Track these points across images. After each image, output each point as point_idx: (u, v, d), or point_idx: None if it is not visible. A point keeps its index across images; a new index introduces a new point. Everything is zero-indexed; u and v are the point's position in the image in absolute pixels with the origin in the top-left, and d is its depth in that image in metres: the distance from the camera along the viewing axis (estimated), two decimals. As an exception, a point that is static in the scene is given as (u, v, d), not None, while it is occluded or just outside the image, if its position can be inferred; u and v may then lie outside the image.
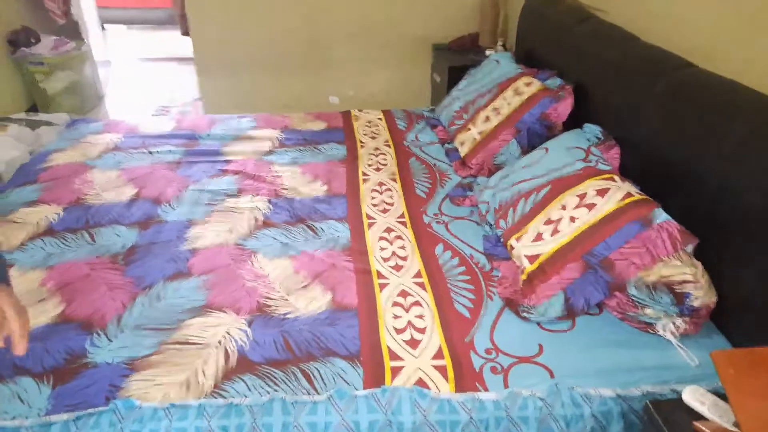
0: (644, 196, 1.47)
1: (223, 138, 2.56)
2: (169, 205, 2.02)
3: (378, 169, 2.29)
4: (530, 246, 1.57)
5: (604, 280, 1.44)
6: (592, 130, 1.88)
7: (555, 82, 2.23)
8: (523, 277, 1.54)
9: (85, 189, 2.11)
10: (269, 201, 2.04)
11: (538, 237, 1.56)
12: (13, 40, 3.76)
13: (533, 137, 2.18)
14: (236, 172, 2.25)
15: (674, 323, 1.39)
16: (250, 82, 3.76)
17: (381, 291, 1.58)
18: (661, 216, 1.40)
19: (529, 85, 2.23)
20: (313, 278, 1.64)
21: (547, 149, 1.85)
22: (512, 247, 1.64)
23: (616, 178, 1.59)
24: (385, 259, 1.73)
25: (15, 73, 3.80)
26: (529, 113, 2.16)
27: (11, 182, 2.21)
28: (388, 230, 1.87)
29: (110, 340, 1.40)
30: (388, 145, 2.51)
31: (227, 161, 2.35)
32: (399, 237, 1.84)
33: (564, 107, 2.11)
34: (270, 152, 2.44)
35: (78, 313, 1.50)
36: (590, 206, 1.51)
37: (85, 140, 2.53)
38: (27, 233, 1.83)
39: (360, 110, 2.92)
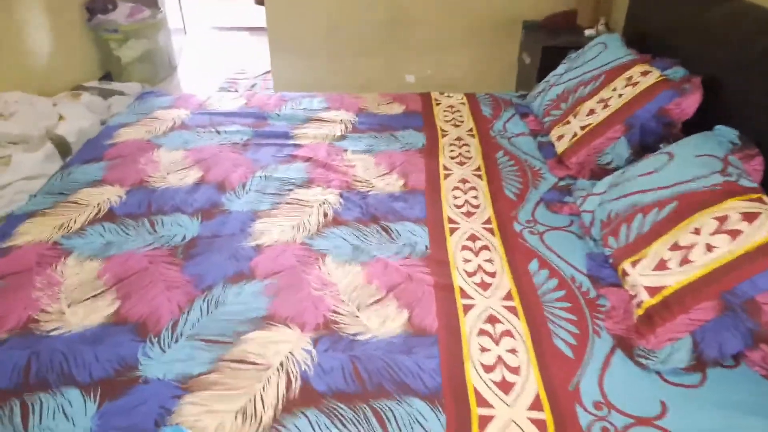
0: (809, 228, 1.17)
1: (293, 119, 2.39)
2: (234, 192, 1.87)
3: (461, 163, 2.05)
4: (651, 275, 1.30)
5: (746, 327, 1.17)
6: (726, 133, 1.56)
7: (677, 72, 1.90)
8: (639, 311, 1.28)
9: (149, 170, 1.99)
10: (340, 194, 1.85)
11: (662, 265, 1.29)
12: (91, 8, 3.72)
13: (647, 136, 1.87)
14: (306, 159, 2.07)
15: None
16: (323, 58, 3.57)
17: (465, 314, 1.37)
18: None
19: (645, 75, 1.91)
20: (387, 291, 1.44)
21: (671, 155, 1.55)
22: (625, 273, 1.37)
23: (766, 199, 1.29)
24: (470, 274, 1.50)
25: (90, 40, 3.77)
26: (645, 108, 1.85)
27: (78, 157, 2.12)
28: (473, 238, 1.64)
29: (163, 351, 1.26)
30: (472, 135, 2.26)
31: (297, 145, 2.18)
32: (486, 247, 1.60)
33: (689, 103, 1.78)
34: (343, 137, 2.24)
35: (133, 313, 1.37)
36: (734, 233, 1.22)
37: (153, 115, 2.42)
38: (87, 216, 1.73)
39: (441, 93, 2.67)
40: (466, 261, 1.55)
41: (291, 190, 1.88)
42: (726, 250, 1.21)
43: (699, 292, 1.20)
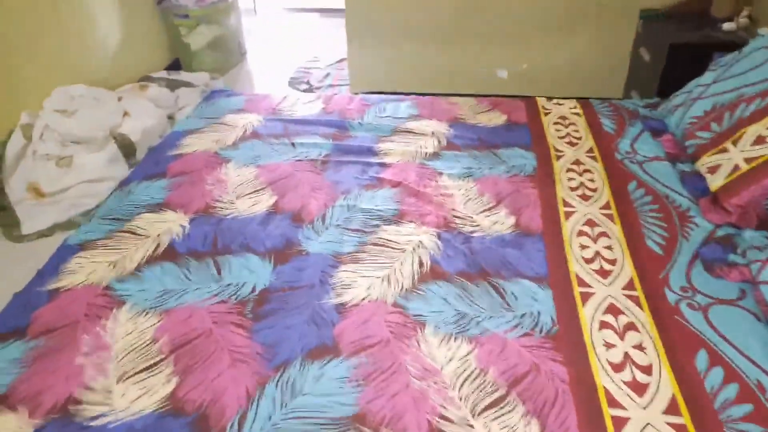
0: None
1: (379, 129, 2.07)
2: (312, 227, 1.58)
3: (585, 197, 1.68)
4: None
5: None
6: None
7: None
8: None
9: (216, 192, 1.73)
10: (438, 235, 1.53)
11: None
12: (160, -10, 3.51)
13: (844, 178, 1.44)
14: (395, 184, 1.75)
15: None
16: (403, 48, 3.22)
17: (619, 435, 1.02)
18: None
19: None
20: (509, 387, 1.12)
21: None
22: None
23: None
24: (616, 367, 1.15)
25: (159, 26, 3.57)
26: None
27: (139, 170, 1.89)
28: (614, 310, 1.28)
29: None
30: (594, 157, 1.87)
31: (383, 165, 1.86)
32: (632, 326, 1.24)
33: None
34: (435, 155, 1.91)
35: (191, 401, 1.11)
36: None
37: (222, 120, 2.16)
38: (145, 252, 1.49)
39: (549, 99, 2.27)
40: (609, 346, 1.20)
41: (378, 226, 1.58)
42: None
43: None
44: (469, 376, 1.14)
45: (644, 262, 1.42)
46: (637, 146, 1.92)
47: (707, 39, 2.44)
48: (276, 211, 1.65)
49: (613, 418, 1.05)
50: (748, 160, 1.55)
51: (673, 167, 1.79)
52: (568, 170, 1.80)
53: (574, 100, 2.25)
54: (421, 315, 1.29)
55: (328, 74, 3.80)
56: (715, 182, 1.61)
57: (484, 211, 1.63)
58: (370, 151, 1.93)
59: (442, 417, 1.06)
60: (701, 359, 1.16)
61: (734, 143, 1.62)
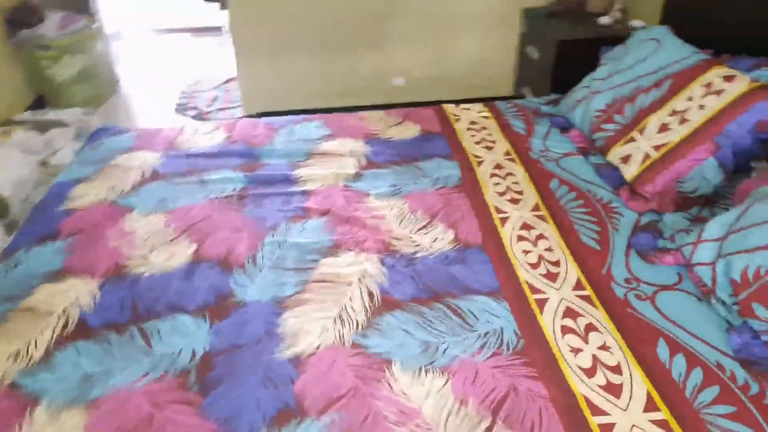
0: None
1: (292, 155, 1.95)
2: (244, 272, 1.44)
3: (514, 201, 1.69)
4: None
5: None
6: None
7: None
8: None
9: (124, 248, 1.52)
10: (381, 261, 1.46)
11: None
12: (12, 20, 3.11)
13: (740, 156, 1.57)
14: (323, 212, 1.65)
15: None
16: (298, 62, 3.11)
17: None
18: None
19: (730, 80, 1.59)
20: (494, 416, 1.07)
21: None
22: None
23: None
24: (588, 372, 1.15)
25: (16, 60, 3.17)
26: (737, 122, 1.53)
27: (25, 233, 1.62)
28: (572, 314, 1.29)
29: None
30: (512, 159, 1.90)
31: (305, 192, 1.75)
32: (593, 327, 1.25)
33: (797, 114, 1.48)
34: (358, 176, 1.83)
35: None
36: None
37: (113, 163, 1.93)
38: (52, 335, 1.27)
39: (457, 104, 2.28)
40: (576, 351, 1.20)
41: (316, 260, 1.47)
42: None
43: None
44: (450, 411, 1.08)
45: (585, 259, 1.45)
46: (549, 144, 1.97)
47: (590, 34, 2.58)
48: (199, 260, 1.48)
49: (600, 426, 1.04)
50: (656, 148, 1.64)
51: (586, 161, 1.86)
52: (492, 175, 1.81)
53: (481, 104, 2.27)
54: (383, 352, 1.21)
55: (216, 97, 3.59)
56: (629, 172, 1.68)
57: (421, 228, 1.58)
58: (289, 180, 1.82)
59: None
60: (662, 349, 1.19)
61: (640, 132, 1.71)
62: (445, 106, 2.28)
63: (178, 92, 3.73)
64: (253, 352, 1.22)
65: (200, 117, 3.37)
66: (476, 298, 1.34)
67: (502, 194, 1.72)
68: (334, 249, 1.51)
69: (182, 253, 1.51)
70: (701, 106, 1.60)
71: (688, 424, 1.04)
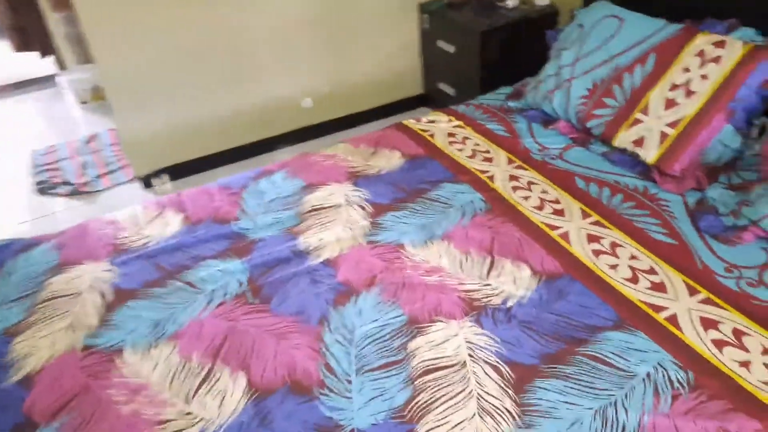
0: None
1: (280, 222, 1.61)
2: (332, 391, 1.12)
3: (557, 213, 1.55)
4: None
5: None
6: None
7: (748, 33, 1.64)
8: None
9: (147, 411, 1.10)
10: (477, 321, 1.24)
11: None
12: None
13: (751, 117, 1.60)
14: (368, 283, 1.37)
15: None
16: (188, 105, 2.65)
17: None
18: None
19: (721, 46, 1.60)
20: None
21: None
22: None
23: None
24: (771, 384, 1.06)
25: None
26: (746, 85, 1.55)
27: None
28: (711, 324, 1.19)
29: None
30: (520, 166, 1.76)
31: (327, 264, 1.44)
32: (741, 332, 1.16)
33: (798, 68, 1.53)
34: (375, 227, 1.56)
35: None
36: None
37: (48, 292, 1.41)
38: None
39: (418, 120, 2.08)
40: (744, 365, 1.10)
41: (405, 346, 1.20)
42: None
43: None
44: None
45: (673, 258, 1.36)
46: (542, 141, 1.88)
47: (506, 20, 2.54)
48: (263, 395, 1.12)
49: None
50: (672, 125, 1.62)
51: (589, 151, 1.80)
52: (515, 189, 1.66)
53: (442, 113, 2.10)
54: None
55: (85, 163, 2.95)
56: (650, 155, 1.64)
57: (490, 271, 1.38)
58: (300, 254, 1.48)
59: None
60: (817, 335, 1.14)
61: (644, 112, 1.67)
62: (406, 122, 2.07)
63: (26, 167, 3.01)
64: None
65: (77, 192, 2.74)
66: (606, 335, 1.19)
67: (539, 208, 1.57)
68: (415, 326, 1.25)
69: (234, 392, 1.13)
70: (704, 76, 1.60)
71: None
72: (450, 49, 2.73)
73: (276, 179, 1.80)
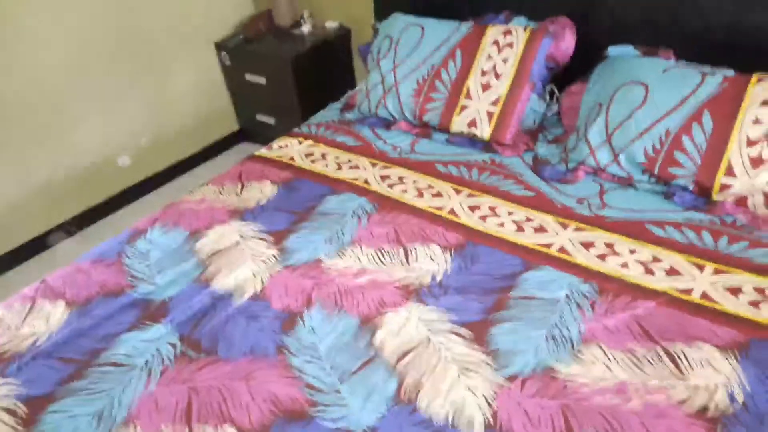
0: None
1: (184, 274, 1.52)
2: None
3: (436, 196, 1.76)
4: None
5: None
6: (625, 50, 1.85)
7: (521, 21, 2.05)
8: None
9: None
10: (422, 302, 1.37)
11: (757, 162, 1.50)
12: None
13: (544, 85, 2.01)
14: (305, 304, 1.40)
15: None
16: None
17: None
18: None
19: (509, 33, 1.98)
20: None
21: (646, 86, 1.70)
22: (725, 185, 1.52)
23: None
24: None
25: None
26: (536, 61, 1.95)
27: None
28: (609, 246, 1.50)
29: None
30: (386, 166, 1.93)
31: (256, 299, 1.43)
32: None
33: (567, 42, 1.97)
34: (284, 253, 1.58)
35: None
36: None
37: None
38: None
39: (269, 148, 2.12)
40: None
41: (370, 343, 1.28)
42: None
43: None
44: None
45: (540, 206, 1.66)
46: (392, 141, 2.07)
47: (308, 45, 2.70)
48: None
49: None
50: (494, 103, 1.94)
51: (434, 141, 2.05)
52: (391, 186, 1.82)
53: (289, 137, 2.17)
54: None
55: None
56: (485, 131, 1.95)
57: (408, 257, 1.52)
58: (220, 298, 1.43)
59: (684, 399, 1.09)
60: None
61: (466, 97, 1.98)
62: (258, 153, 2.10)
63: None
64: None
65: None
66: (523, 277, 1.42)
67: (420, 196, 1.76)
68: (370, 323, 1.33)
69: None
70: (504, 60, 1.96)
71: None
72: (260, 80, 2.80)
73: (153, 237, 1.69)
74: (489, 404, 1.12)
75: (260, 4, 2.99)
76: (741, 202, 1.54)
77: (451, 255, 1.51)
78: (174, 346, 1.31)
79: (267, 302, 1.42)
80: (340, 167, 1.95)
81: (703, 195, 1.58)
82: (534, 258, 1.47)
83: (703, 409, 1.07)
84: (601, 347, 1.22)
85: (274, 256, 1.57)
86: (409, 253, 1.53)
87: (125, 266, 1.58)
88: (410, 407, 1.13)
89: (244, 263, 1.55)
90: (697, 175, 1.57)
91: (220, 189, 1.90)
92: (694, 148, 1.57)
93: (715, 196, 1.56)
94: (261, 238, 1.64)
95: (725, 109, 1.56)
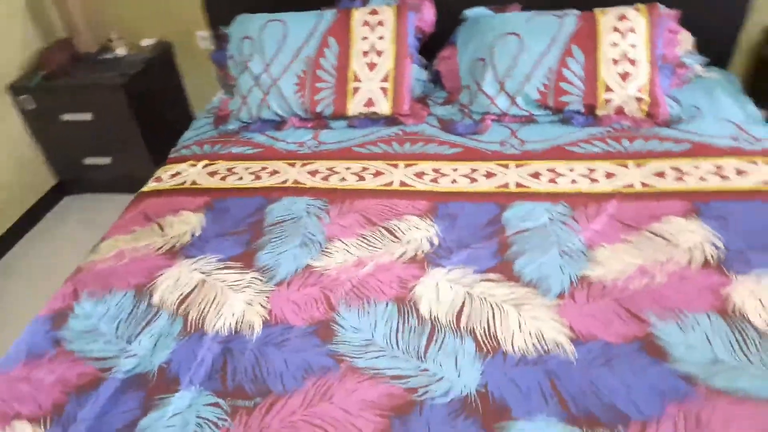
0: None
1: (155, 335, 1.27)
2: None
3: (377, 174, 1.75)
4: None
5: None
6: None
7: (379, 1, 2.13)
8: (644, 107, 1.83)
9: None
10: (442, 258, 1.38)
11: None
12: None
13: (417, 53, 2.13)
14: (329, 310, 1.30)
15: None
16: None
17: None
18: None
19: (375, 14, 2.05)
20: None
21: (518, 35, 1.93)
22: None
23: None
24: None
25: None
26: (410, 35, 2.06)
27: None
28: (551, 171, 1.67)
29: None
30: (306, 164, 1.85)
31: (268, 324, 1.28)
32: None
33: (428, 13, 2.12)
34: (264, 273, 1.43)
35: None
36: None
37: None
38: None
39: (158, 180, 1.85)
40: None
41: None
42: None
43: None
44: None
45: (475, 157, 1.78)
46: (292, 140, 1.98)
47: (127, 69, 2.38)
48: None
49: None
50: (383, 80, 2.00)
51: (335, 131, 2.02)
52: (326, 179, 1.75)
53: (173, 164, 1.92)
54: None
55: None
56: (384, 108, 1.99)
57: (395, 234, 1.50)
58: (227, 339, 1.25)
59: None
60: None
61: (355, 80, 2.00)
62: (147, 188, 1.82)
63: None
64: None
65: None
66: (506, 215, 1.52)
67: (362, 179, 1.74)
68: (413, 278, 1.30)
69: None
70: (381, 38, 2.01)
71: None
72: (84, 117, 2.39)
73: (87, 310, 1.36)
74: (571, 329, 1.19)
75: (52, 34, 2.54)
76: (619, 110, 1.86)
77: (431, 219, 1.54)
78: (217, 405, 1.10)
79: (285, 324, 1.27)
80: (258, 177, 1.81)
81: (591, 113, 1.87)
82: (502, 199, 1.59)
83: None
84: (604, 246, 1.38)
85: (257, 279, 1.40)
86: (393, 230, 1.52)
87: (77, 353, 1.26)
88: (500, 355, 1.15)
89: (227, 299, 1.36)
90: (584, 98, 1.85)
91: (133, 236, 1.61)
92: (574, 76, 1.85)
93: (600, 112, 1.86)
94: (226, 267, 1.45)
95: (587, 40, 1.86)
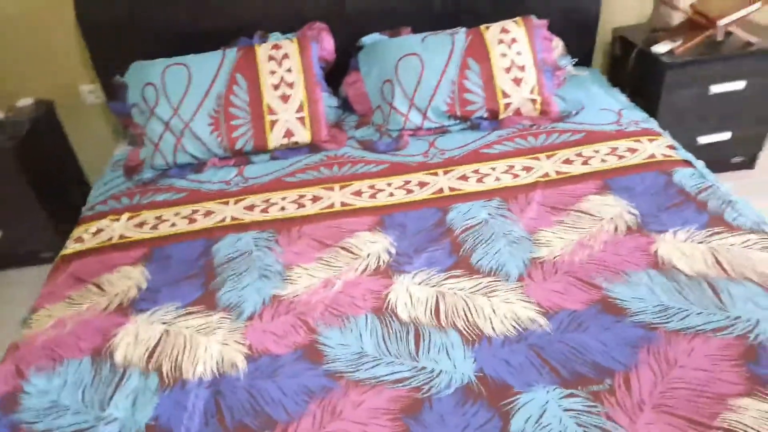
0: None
1: (134, 392, 1.19)
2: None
3: (315, 200, 1.78)
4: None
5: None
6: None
7: (277, 36, 2.18)
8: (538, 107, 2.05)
9: None
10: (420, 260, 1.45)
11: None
12: None
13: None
14: (331, 317, 1.31)
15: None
16: None
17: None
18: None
19: (278, 48, 2.09)
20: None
21: (418, 54, 2.07)
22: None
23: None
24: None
25: None
26: (314, 64, 2.12)
27: None
28: (478, 174, 1.80)
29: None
30: (238, 200, 1.82)
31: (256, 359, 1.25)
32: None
33: (328, 43, 2.20)
34: (236, 309, 1.39)
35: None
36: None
37: None
38: None
39: (79, 241, 1.72)
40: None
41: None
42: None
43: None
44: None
45: (403, 171, 1.88)
46: (215, 179, 1.95)
47: (21, 126, 2.19)
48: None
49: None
50: (298, 110, 2.04)
51: (258, 164, 2.02)
52: (265, 211, 1.75)
53: (88, 223, 1.79)
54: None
55: None
56: (304, 137, 2.03)
57: (353, 252, 1.54)
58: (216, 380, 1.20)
59: (616, 228, 1.51)
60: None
61: (270, 113, 2.02)
62: (71, 250, 1.68)
63: None
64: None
65: None
66: (451, 216, 1.63)
67: (302, 206, 1.75)
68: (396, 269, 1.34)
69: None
70: (289, 70, 2.05)
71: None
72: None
73: (41, 386, 1.24)
74: (539, 305, 1.31)
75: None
76: (518, 112, 2.07)
77: (381, 231, 1.60)
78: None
79: (269, 355, 1.26)
80: (192, 220, 1.75)
81: (495, 118, 2.06)
82: (440, 203, 1.69)
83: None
84: (543, 230, 1.54)
85: (226, 318, 1.37)
86: (348, 247, 1.55)
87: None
88: (485, 341, 1.23)
89: (198, 344, 1.30)
90: (486, 105, 2.03)
91: (69, 302, 1.48)
92: (474, 86, 2.03)
93: (502, 115, 2.05)
94: (188, 313, 1.40)
95: (479, 54, 2.05)
